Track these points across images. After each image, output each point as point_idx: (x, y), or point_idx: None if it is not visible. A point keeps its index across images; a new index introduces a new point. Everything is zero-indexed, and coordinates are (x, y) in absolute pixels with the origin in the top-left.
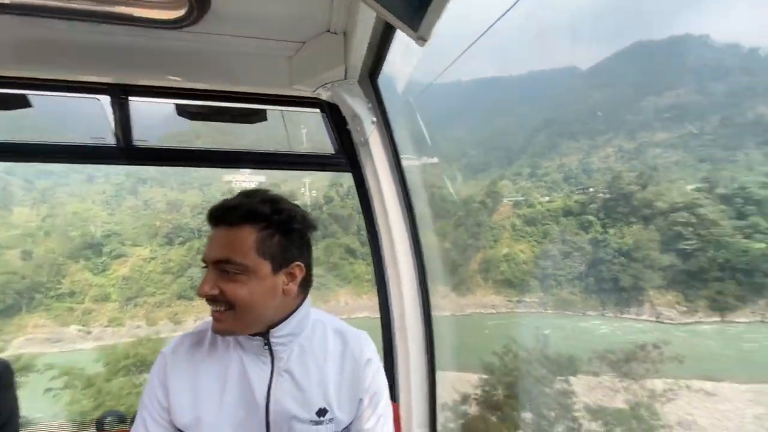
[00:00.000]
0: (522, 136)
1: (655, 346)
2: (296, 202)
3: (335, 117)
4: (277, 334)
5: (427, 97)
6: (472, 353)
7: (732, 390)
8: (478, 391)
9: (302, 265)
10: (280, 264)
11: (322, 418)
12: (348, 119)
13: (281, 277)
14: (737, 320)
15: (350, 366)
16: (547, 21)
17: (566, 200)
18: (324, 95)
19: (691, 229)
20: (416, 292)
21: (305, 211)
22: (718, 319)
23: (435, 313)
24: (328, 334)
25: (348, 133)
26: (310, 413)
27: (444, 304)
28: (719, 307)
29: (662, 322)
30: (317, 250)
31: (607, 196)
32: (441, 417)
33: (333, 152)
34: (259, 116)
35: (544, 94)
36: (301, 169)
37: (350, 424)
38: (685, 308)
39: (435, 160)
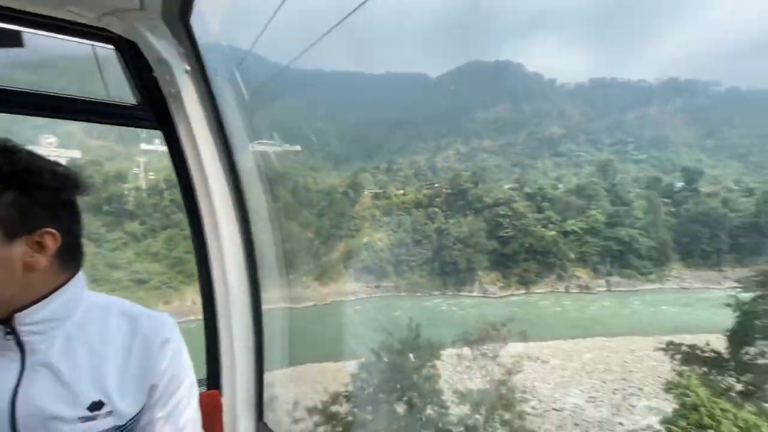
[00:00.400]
0: (380, 132)
1: (500, 325)
2: (128, 185)
3: (135, 59)
4: (27, 321)
5: (285, 81)
6: (331, 343)
7: (536, 347)
8: (346, 387)
9: (55, 232)
10: (17, 230)
11: (96, 413)
12: (152, 64)
13: (21, 248)
14: (536, 291)
15: (139, 350)
16: (402, 26)
17: (417, 194)
18: (117, 28)
19: (507, 220)
20: (243, 271)
21: (67, 167)
22: (524, 291)
23: (294, 305)
24: (110, 317)
25: (155, 81)
26: (80, 409)
27: (308, 294)
28: (525, 282)
29: (487, 297)
30: (156, 243)
31: (449, 191)
32: (310, 423)
33: (135, 103)
34: (12, 40)
35: (398, 95)
36: (91, 121)
37: (140, 413)
38: (502, 284)
39: (297, 147)
